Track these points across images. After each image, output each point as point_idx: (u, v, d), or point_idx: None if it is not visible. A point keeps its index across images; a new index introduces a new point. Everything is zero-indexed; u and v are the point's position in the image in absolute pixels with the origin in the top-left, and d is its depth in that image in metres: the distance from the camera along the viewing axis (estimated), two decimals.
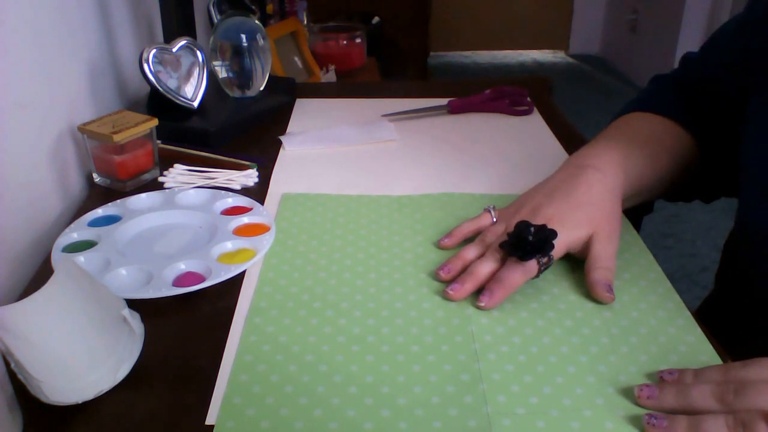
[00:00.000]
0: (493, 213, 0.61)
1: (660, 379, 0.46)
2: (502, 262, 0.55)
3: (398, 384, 0.46)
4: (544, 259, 0.54)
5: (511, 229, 0.55)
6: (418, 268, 0.58)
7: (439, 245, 0.61)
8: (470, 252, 0.58)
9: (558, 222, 0.56)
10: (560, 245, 0.55)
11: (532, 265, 0.54)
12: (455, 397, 0.45)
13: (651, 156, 0.64)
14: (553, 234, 0.54)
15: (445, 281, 0.56)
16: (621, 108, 0.73)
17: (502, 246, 0.55)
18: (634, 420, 0.43)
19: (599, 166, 0.60)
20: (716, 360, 0.48)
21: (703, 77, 0.69)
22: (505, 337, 0.50)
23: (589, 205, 0.58)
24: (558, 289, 0.56)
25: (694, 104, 0.69)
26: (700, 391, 0.42)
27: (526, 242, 0.54)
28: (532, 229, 0.54)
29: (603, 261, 0.55)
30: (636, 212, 0.71)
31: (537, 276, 0.55)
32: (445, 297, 0.54)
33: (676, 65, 0.76)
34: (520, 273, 0.53)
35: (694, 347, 0.49)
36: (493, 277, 0.54)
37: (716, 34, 0.69)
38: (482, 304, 0.52)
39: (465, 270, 0.56)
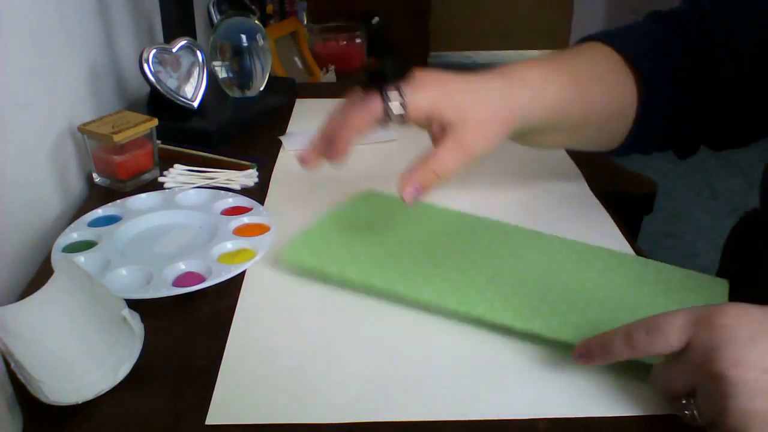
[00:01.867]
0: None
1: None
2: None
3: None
4: (395, 96, 0.46)
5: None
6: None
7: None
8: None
9: (430, 82, 0.49)
10: (423, 104, 0.49)
11: (374, 101, 0.47)
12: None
13: (578, 84, 0.58)
14: (408, 68, 0.47)
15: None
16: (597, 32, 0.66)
17: (359, 83, 0.49)
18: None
19: (508, 77, 0.54)
20: None
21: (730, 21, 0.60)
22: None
23: (472, 93, 0.51)
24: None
25: (693, 45, 0.62)
26: (613, 340, 0.43)
27: (376, 71, 0.47)
28: (392, 61, 0.48)
29: (439, 162, 0.49)
30: (636, 212, 0.71)
31: (386, 117, 0.48)
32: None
33: None
34: (355, 109, 0.48)
35: None
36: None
37: None
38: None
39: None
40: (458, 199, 0.71)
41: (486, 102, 0.51)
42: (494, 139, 0.52)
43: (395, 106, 0.47)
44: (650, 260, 0.59)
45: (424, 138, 0.87)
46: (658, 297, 0.54)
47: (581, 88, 0.59)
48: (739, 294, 0.56)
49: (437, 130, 0.52)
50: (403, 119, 0.48)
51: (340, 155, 0.49)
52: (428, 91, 0.49)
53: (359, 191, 0.70)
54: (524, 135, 0.59)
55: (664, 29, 0.65)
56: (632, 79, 0.61)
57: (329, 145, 0.50)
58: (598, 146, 0.67)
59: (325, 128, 0.50)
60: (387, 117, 0.48)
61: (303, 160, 0.48)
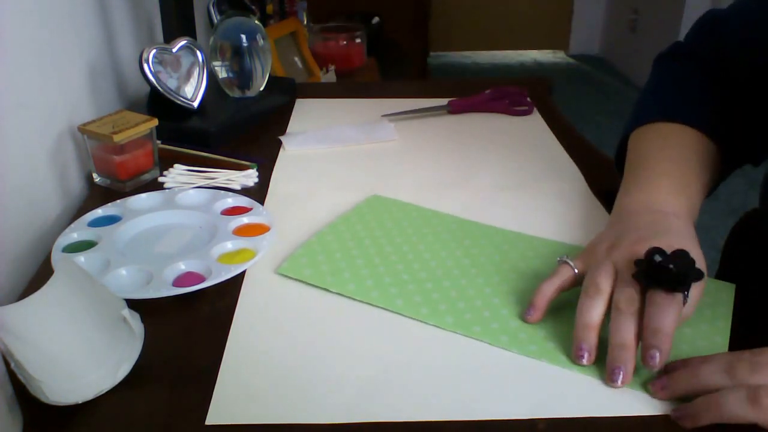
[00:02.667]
0: (571, 263, 0.52)
1: (665, 371, 0.46)
2: (639, 313, 0.46)
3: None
4: (687, 292, 0.46)
5: (629, 258, 0.48)
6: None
7: (526, 321, 0.51)
8: (594, 313, 0.47)
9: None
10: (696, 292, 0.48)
11: (679, 304, 0.45)
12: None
13: (702, 186, 0.62)
14: (693, 261, 0.47)
15: (589, 363, 0.47)
16: (639, 108, 0.69)
17: (638, 276, 0.47)
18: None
19: (678, 214, 0.56)
20: None
21: (739, 41, 0.65)
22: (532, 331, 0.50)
23: (696, 244, 0.52)
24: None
25: (715, 75, 0.66)
26: (709, 369, 0.42)
27: (669, 269, 0.45)
28: (667, 253, 0.47)
29: (690, 308, 0.48)
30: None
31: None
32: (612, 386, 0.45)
33: None
34: (673, 310, 0.45)
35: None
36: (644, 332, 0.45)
37: None
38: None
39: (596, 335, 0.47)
40: (459, 200, 0.71)
41: (693, 244, 0.52)
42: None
43: (686, 295, 0.47)
44: None
45: (424, 138, 0.87)
46: None
47: (700, 181, 0.62)
48: (739, 294, 0.56)
49: None
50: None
51: (660, 360, 0.45)
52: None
53: (367, 196, 0.70)
54: None
55: (695, 73, 0.69)
56: (715, 146, 0.64)
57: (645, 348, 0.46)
58: None
59: (631, 346, 0.46)
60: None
61: (621, 385, 0.45)
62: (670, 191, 0.59)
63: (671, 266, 0.46)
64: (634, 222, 0.55)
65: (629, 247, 0.50)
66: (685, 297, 0.47)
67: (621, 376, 0.45)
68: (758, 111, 0.65)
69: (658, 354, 0.44)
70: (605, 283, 0.48)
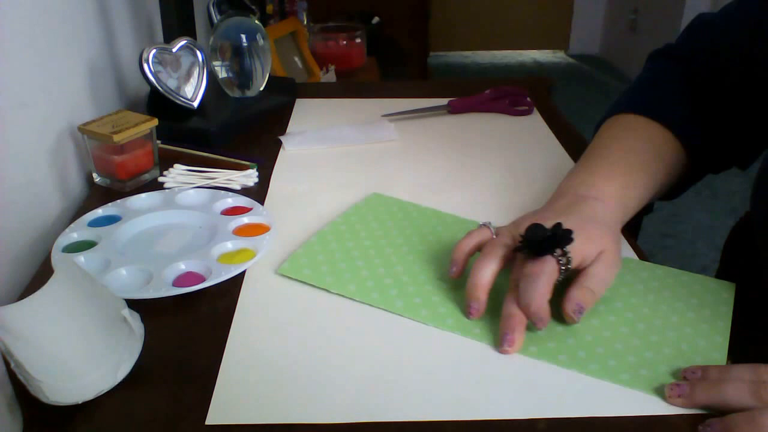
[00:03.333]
0: (492, 228, 0.57)
1: (683, 377, 0.46)
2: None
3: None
4: (563, 260, 0.50)
5: (521, 232, 0.52)
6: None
7: (450, 276, 0.56)
8: (485, 273, 0.53)
9: (578, 236, 0.52)
10: (577, 255, 0.51)
11: (552, 266, 0.50)
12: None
13: (649, 178, 0.63)
14: (570, 231, 0.51)
15: (477, 317, 0.52)
16: (616, 100, 0.70)
17: (517, 249, 0.52)
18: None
19: (602, 199, 0.58)
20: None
21: (726, 44, 0.66)
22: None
23: (602, 224, 0.55)
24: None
25: (702, 81, 0.67)
26: (735, 388, 0.43)
27: (544, 237, 0.50)
28: (547, 227, 0.52)
29: (595, 282, 0.52)
30: (636, 212, 0.71)
31: (559, 278, 0.51)
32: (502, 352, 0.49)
33: None
34: (540, 279, 0.49)
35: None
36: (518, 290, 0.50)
37: None
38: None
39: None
40: (460, 202, 0.71)
41: (609, 232, 0.55)
42: (621, 254, 0.56)
43: (564, 267, 0.51)
44: (656, 265, 0.59)
45: (424, 138, 0.87)
46: (662, 304, 0.54)
47: (650, 177, 0.63)
48: (739, 294, 0.56)
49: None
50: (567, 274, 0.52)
51: (544, 322, 0.50)
52: (575, 242, 0.52)
53: (366, 195, 0.70)
54: None
55: (680, 77, 0.70)
56: (677, 142, 0.66)
57: (527, 314, 0.50)
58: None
59: (508, 301, 0.51)
60: (560, 276, 0.51)
61: (513, 349, 0.49)
62: (606, 177, 0.61)
63: (528, 235, 0.51)
64: (556, 203, 0.59)
65: (530, 223, 0.54)
66: (560, 264, 0.50)
67: (507, 343, 0.49)
68: (740, 116, 0.65)
69: (539, 324, 0.49)
70: (498, 251, 0.54)
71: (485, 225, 0.57)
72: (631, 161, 0.63)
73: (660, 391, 0.45)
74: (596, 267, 0.53)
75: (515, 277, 0.52)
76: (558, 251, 0.51)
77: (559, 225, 0.52)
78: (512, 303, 0.50)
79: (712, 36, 0.67)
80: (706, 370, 0.46)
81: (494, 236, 0.56)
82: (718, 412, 0.43)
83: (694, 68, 0.68)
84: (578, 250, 0.52)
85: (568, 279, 0.52)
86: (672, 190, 0.70)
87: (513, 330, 0.49)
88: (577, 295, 0.51)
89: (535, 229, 0.52)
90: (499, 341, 0.49)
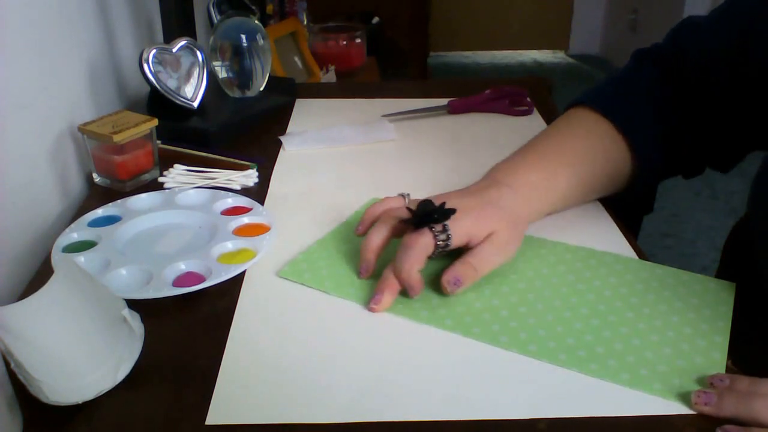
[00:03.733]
0: (406, 199, 0.60)
1: (710, 384, 0.46)
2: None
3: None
4: (442, 236, 0.54)
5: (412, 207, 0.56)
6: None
7: (355, 234, 0.61)
8: (375, 238, 0.57)
9: (464, 211, 0.55)
10: (462, 232, 0.55)
11: (427, 239, 0.53)
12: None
13: (580, 173, 0.64)
14: (451, 210, 0.54)
15: (366, 277, 0.57)
16: (583, 92, 0.71)
17: (402, 221, 0.56)
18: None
19: (514, 186, 0.60)
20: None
21: (707, 50, 0.65)
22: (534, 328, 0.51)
23: (497, 208, 0.57)
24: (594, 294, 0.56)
25: (682, 83, 0.67)
26: (765, 405, 0.43)
27: (423, 212, 0.54)
28: (432, 204, 0.55)
29: (477, 260, 0.55)
30: (636, 212, 0.71)
31: (433, 255, 0.54)
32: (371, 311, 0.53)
33: None
34: (412, 249, 0.53)
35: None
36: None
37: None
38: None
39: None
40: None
41: (508, 215, 0.58)
42: (518, 241, 0.59)
43: (442, 242, 0.54)
44: (656, 264, 0.59)
45: (424, 138, 0.87)
46: (662, 304, 0.54)
47: (581, 170, 0.65)
48: (739, 294, 0.56)
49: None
50: (447, 249, 0.55)
51: (415, 290, 0.54)
52: (464, 221, 0.55)
53: (366, 196, 0.70)
54: None
55: (642, 72, 0.70)
56: (623, 142, 0.66)
57: (400, 284, 0.55)
58: (610, 194, 0.71)
59: (388, 269, 0.55)
60: (435, 251, 0.54)
61: (378, 308, 0.54)
62: (529, 167, 0.63)
63: (414, 210, 0.55)
64: (473, 185, 0.62)
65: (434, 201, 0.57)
66: (437, 239, 0.54)
67: (374, 301, 0.53)
68: (721, 118, 0.65)
69: (411, 292, 0.54)
70: (391, 221, 0.58)
71: (402, 195, 0.61)
72: (564, 154, 0.65)
73: (660, 391, 0.45)
74: (482, 246, 0.56)
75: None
76: (438, 227, 0.54)
77: (443, 204, 0.55)
78: (390, 269, 0.55)
79: (699, 38, 0.67)
80: (735, 380, 0.45)
81: (407, 203, 0.60)
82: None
83: (675, 70, 0.67)
84: (464, 229, 0.55)
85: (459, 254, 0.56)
86: (635, 190, 0.70)
87: (382, 291, 0.54)
88: (457, 269, 0.54)
89: (424, 204, 0.55)
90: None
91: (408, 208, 0.56)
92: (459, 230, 0.55)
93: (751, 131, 0.64)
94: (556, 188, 0.63)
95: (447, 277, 0.54)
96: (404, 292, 0.55)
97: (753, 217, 0.59)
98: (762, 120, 0.61)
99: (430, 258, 0.55)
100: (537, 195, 0.61)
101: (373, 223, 0.60)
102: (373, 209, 0.61)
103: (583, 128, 0.67)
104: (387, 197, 0.62)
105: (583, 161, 0.65)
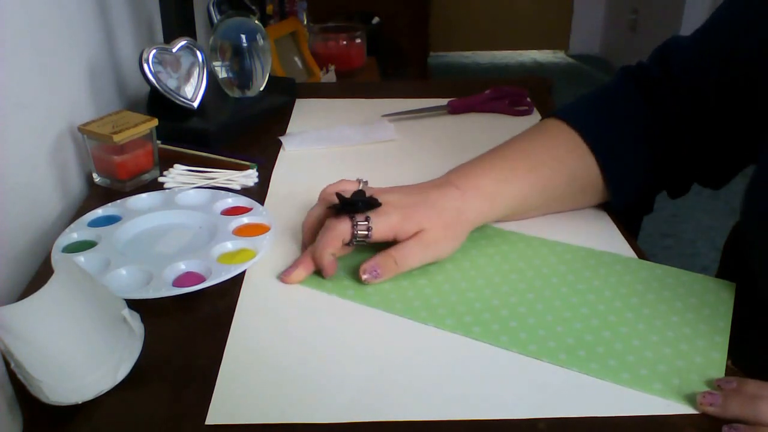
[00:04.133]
0: (360, 184, 0.61)
1: (717, 386, 0.46)
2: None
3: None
4: (362, 226, 0.56)
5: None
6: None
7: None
8: (310, 216, 0.61)
9: (395, 207, 0.57)
10: (385, 227, 0.56)
11: (345, 226, 0.56)
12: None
13: (538, 180, 0.64)
14: (375, 202, 0.56)
15: (303, 249, 0.60)
16: (559, 107, 0.71)
17: (330, 206, 0.59)
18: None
19: (463, 188, 0.60)
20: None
21: (691, 69, 0.65)
22: (534, 329, 0.50)
23: (430, 209, 0.58)
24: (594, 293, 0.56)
25: (659, 105, 0.66)
26: None
27: (347, 201, 0.56)
28: (363, 194, 0.57)
29: (400, 255, 0.56)
30: (636, 212, 0.71)
31: (351, 243, 0.56)
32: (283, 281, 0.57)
33: None
34: (330, 231, 0.56)
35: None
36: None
37: (715, 20, 0.66)
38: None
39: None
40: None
41: (444, 215, 0.58)
42: (453, 241, 0.59)
43: (361, 233, 0.56)
44: (656, 264, 0.59)
45: (424, 138, 0.87)
46: (661, 304, 0.54)
47: (543, 178, 0.64)
48: (739, 294, 0.56)
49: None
50: (368, 240, 0.57)
51: (326, 271, 0.57)
52: (391, 216, 0.57)
53: None
54: (492, 222, 0.65)
55: (623, 88, 0.70)
56: (592, 155, 0.65)
57: (313, 262, 0.58)
58: (584, 207, 0.70)
59: (308, 248, 0.59)
60: (353, 239, 0.57)
61: (287, 279, 0.57)
62: (484, 172, 0.63)
63: (340, 197, 0.57)
64: (424, 183, 0.63)
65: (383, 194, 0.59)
66: (355, 227, 0.56)
67: (285, 273, 0.57)
68: (702, 139, 0.65)
69: (323, 272, 0.56)
70: (325, 203, 0.61)
71: (359, 180, 0.62)
72: (527, 159, 0.65)
73: (660, 391, 0.45)
74: (407, 242, 0.57)
75: None
76: (360, 217, 0.56)
77: (371, 197, 0.57)
78: (310, 248, 0.58)
79: (683, 58, 0.66)
80: (744, 383, 0.45)
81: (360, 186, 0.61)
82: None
83: (660, 91, 0.67)
84: (389, 224, 0.57)
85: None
86: (612, 200, 0.68)
87: (297, 266, 0.57)
88: (377, 260, 0.56)
89: (355, 194, 0.57)
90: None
91: (337, 194, 0.57)
92: (383, 224, 0.56)
93: (739, 148, 0.64)
94: (509, 193, 0.63)
95: (365, 266, 0.56)
96: (404, 294, 0.55)
97: (746, 226, 0.59)
98: (749, 136, 0.61)
99: (349, 245, 0.57)
100: (485, 199, 0.61)
101: (324, 199, 0.62)
102: (326, 189, 0.62)
103: (551, 138, 0.67)
104: (342, 180, 0.62)
105: (546, 169, 0.64)
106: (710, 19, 0.67)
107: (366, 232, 0.56)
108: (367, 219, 0.56)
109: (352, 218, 0.56)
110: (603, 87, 0.72)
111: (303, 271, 0.57)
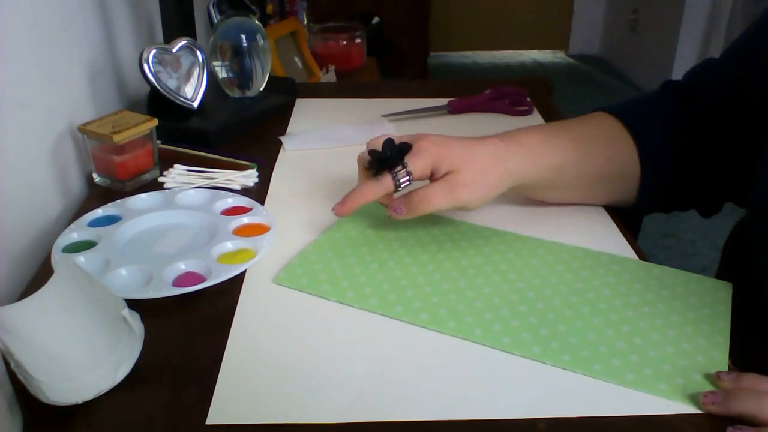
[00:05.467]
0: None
1: (717, 377, 0.46)
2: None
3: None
4: (401, 172, 0.57)
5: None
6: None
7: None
8: (362, 185, 0.61)
9: (430, 144, 0.58)
10: (422, 166, 0.57)
11: (386, 181, 0.57)
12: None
13: (578, 150, 0.64)
14: (407, 146, 0.57)
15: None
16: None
17: (366, 168, 0.60)
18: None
19: (506, 141, 0.61)
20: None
21: (717, 81, 0.66)
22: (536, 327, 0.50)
23: (467, 150, 0.58)
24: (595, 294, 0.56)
25: (690, 118, 0.67)
26: None
27: (382, 157, 0.57)
28: (392, 143, 0.58)
29: (426, 193, 0.57)
30: (636, 212, 0.71)
31: (397, 189, 0.58)
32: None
33: (675, 65, 0.75)
34: (373, 186, 0.58)
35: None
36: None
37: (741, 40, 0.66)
38: (333, 210, 0.57)
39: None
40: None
41: (480, 159, 0.58)
42: (484, 189, 0.59)
43: (403, 180, 0.57)
44: (653, 264, 0.59)
45: None
46: (661, 303, 0.54)
47: (583, 150, 0.64)
48: (739, 294, 0.56)
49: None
50: (412, 182, 0.58)
51: (341, 213, 0.60)
52: (427, 155, 0.57)
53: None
54: (528, 189, 0.65)
55: (664, 98, 0.70)
56: (632, 142, 0.66)
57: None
58: (613, 203, 0.70)
59: (351, 200, 0.60)
60: (397, 188, 0.58)
61: (336, 212, 0.60)
62: (530, 132, 0.63)
63: (388, 153, 0.58)
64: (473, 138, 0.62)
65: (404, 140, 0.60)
66: (396, 179, 0.57)
67: (337, 208, 0.60)
68: (726, 157, 0.65)
69: (340, 203, 0.59)
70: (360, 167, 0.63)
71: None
72: (570, 131, 0.65)
73: (665, 392, 0.45)
74: (435, 183, 0.58)
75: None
76: (398, 167, 0.57)
77: (401, 144, 0.58)
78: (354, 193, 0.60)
79: (707, 79, 0.67)
80: (742, 376, 0.45)
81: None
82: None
83: (691, 107, 0.68)
84: (427, 162, 0.57)
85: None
86: (638, 201, 0.68)
87: (346, 202, 0.59)
88: (403, 198, 0.58)
89: (385, 145, 0.58)
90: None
91: (370, 152, 0.59)
92: (420, 163, 0.57)
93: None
94: (552, 155, 0.62)
95: (391, 204, 0.58)
96: (403, 294, 0.55)
97: (752, 219, 0.59)
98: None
99: (396, 192, 0.59)
100: (527, 154, 0.61)
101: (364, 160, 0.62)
102: (360, 154, 0.63)
103: (596, 120, 0.68)
104: (373, 139, 0.62)
105: (588, 141, 0.65)
106: (732, 42, 0.67)
107: (407, 178, 0.57)
108: (404, 166, 0.57)
109: (390, 170, 0.57)
110: (646, 94, 0.73)
111: (352, 204, 0.59)
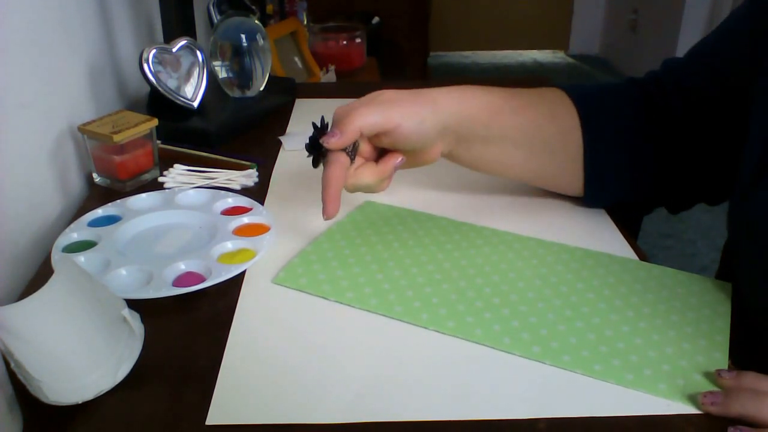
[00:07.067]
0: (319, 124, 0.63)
1: (717, 375, 0.46)
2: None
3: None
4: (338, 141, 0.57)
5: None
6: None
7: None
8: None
9: (357, 102, 0.59)
10: (353, 129, 0.57)
11: (339, 156, 0.58)
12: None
13: (515, 99, 0.64)
14: (322, 123, 0.59)
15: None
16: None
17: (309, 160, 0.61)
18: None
19: (437, 89, 0.61)
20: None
21: (687, 79, 0.65)
22: (535, 329, 0.50)
23: (395, 93, 0.59)
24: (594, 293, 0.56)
25: (658, 106, 0.66)
26: None
27: (312, 142, 0.59)
28: (315, 126, 0.59)
29: (346, 111, 0.58)
30: (636, 212, 0.71)
31: (351, 157, 0.58)
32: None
33: None
34: (335, 170, 0.57)
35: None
36: None
37: (708, 38, 0.66)
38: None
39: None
40: (459, 201, 0.71)
41: (405, 93, 0.59)
42: (412, 106, 0.58)
43: (349, 148, 0.58)
44: (653, 265, 0.59)
45: None
46: (661, 303, 0.54)
47: (515, 105, 0.63)
48: (739, 294, 0.56)
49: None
50: (349, 149, 0.58)
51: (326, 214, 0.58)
52: (353, 111, 0.58)
53: (358, 204, 0.70)
54: (465, 141, 0.63)
55: (626, 86, 0.69)
56: (576, 114, 0.65)
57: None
58: (556, 184, 0.69)
59: (329, 198, 0.59)
60: (350, 155, 0.58)
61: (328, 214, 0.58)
62: (468, 85, 0.63)
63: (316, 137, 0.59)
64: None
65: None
66: (348, 152, 0.58)
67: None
68: (697, 154, 0.64)
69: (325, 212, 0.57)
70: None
71: (313, 123, 0.62)
72: (505, 90, 0.64)
73: (665, 392, 0.45)
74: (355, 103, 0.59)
75: None
76: (331, 138, 0.57)
77: (314, 124, 0.59)
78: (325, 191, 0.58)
79: (676, 76, 0.66)
80: (742, 375, 0.45)
81: None
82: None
83: (656, 102, 0.66)
84: (355, 126, 0.57)
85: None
86: (587, 189, 0.67)
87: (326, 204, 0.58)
88: (333, 129, 0.58)
89: (310, 138, 0.59)
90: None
91: (305, 147, 0.60)
92: (350, 130, 0.57)
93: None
94: (484, 98, 0.62)
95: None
96: (403, 294, 0.55)
97: (733, 236, 0.59)
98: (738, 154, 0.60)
99: (352, 161, 0.59)
100: (458, 95, 0.61)
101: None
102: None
103: (540, 91, 0.67)
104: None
105: (523, 99, 0.64)
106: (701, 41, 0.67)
107: (353, 145, 0.58)
108: (335, 133, 0.57)
109: (320, 151, 0.58)
110: (606, 83, 0.71)
111: (335, 209, 0.57)
